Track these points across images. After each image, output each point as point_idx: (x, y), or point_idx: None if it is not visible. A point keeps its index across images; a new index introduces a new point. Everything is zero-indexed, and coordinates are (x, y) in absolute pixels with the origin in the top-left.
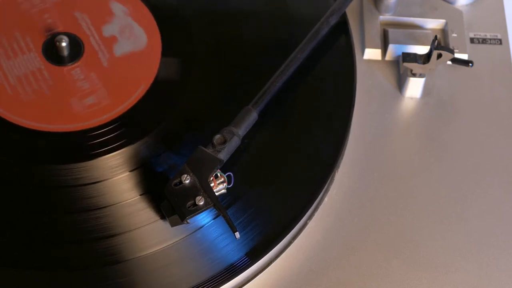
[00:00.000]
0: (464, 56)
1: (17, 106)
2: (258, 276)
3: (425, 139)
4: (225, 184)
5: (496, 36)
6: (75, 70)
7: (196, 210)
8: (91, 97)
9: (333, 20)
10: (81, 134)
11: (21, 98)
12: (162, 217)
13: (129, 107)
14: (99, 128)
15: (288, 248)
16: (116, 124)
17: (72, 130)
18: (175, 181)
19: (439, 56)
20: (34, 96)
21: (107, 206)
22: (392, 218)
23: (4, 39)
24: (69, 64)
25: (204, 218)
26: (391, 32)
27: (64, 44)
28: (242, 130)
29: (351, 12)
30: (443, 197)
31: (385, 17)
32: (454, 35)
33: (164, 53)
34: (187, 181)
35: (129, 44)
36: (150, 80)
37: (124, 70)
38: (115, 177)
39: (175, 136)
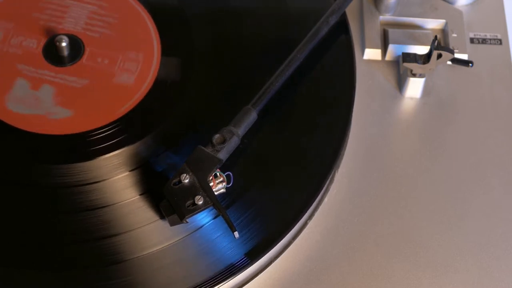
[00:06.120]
0: (464, 56)
1: None
2: (258, 276)
3: (425, 139)
4: (224, 183)
5: (496, 36)
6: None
7: (195, 209)
8: None
9: (333, 20)
10: (81, 134)
11: None
12: (162, 216)
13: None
14: (99, 128)
15: (288, 248)
16: (116, 124)
17: (73, 132)
18: (175, 180)
19: (439, 56)
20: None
21: (107, 206)
22: (392, 218)
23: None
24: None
25: (203, 218)
26: (391, 32)
27: (64, 44)
28: (241, 129)
29: (351, 12)
30: (443, 197)
31: (385, 17)
32: (454, 35)
33: (164, 53)
34: (187, 181)
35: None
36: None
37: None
38: (115, 177)
39: (175, 136)
